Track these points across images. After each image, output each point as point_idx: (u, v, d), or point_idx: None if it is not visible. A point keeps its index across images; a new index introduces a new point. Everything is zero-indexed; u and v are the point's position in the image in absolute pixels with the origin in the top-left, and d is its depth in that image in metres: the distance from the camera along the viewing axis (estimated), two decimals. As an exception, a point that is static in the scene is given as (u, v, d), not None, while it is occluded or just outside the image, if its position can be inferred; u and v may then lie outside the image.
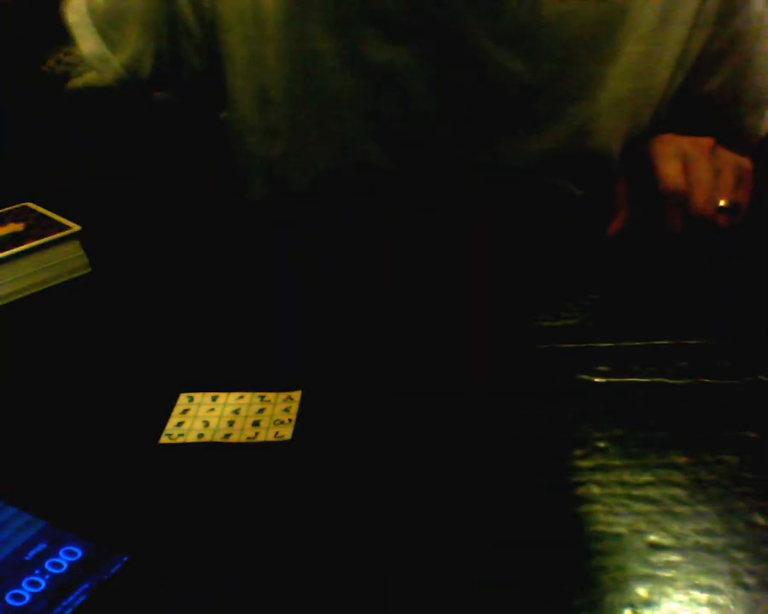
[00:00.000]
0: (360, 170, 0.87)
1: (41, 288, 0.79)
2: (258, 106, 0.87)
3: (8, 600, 0.46)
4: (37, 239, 0.78)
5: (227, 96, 0.88)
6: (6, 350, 0.71)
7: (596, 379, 0.65)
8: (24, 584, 0.47)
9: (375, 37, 0.81)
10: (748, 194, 0.78)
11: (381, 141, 0.86)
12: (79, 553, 0.49)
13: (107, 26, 0.86)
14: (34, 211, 0.85)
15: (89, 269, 0.82)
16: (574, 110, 0.85)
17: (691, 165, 0.75)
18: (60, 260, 0.80)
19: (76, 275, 0.81)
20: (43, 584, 0.47)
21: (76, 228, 0.81)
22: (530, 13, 0.80)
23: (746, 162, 0.79)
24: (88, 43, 0.87)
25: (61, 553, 0.49)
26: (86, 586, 0.47)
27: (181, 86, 0.90)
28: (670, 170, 0.74)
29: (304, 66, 0.84)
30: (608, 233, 0.79)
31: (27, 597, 0.46)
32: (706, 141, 0.77)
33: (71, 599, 0.46)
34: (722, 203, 0.75)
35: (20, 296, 0.78)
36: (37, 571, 0.48)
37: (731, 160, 0.77)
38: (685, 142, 0.77)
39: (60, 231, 0.80)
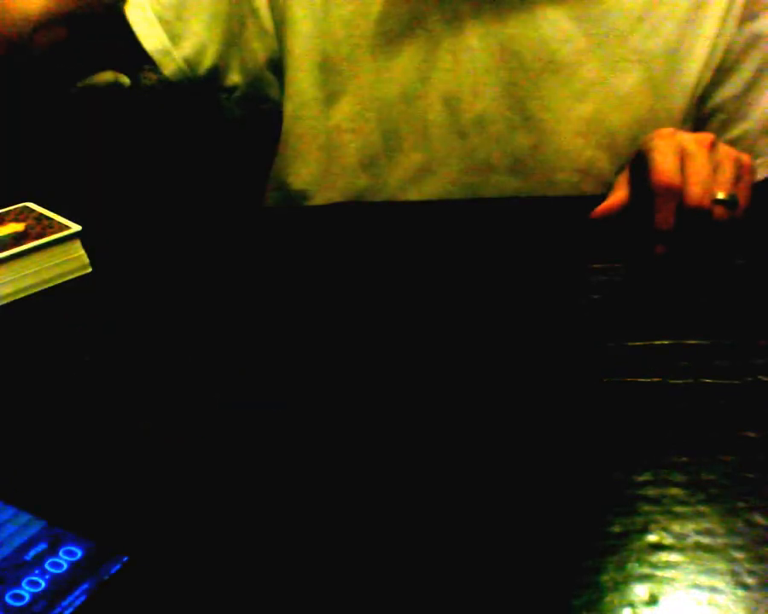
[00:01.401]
0: (414, 136, 0.88)
1: (41, 288, 0.79)
2: (320, 74, 0.88)
3: (8, 600, 0.46)
4: (37, 239, 0.78)
5: (286, 73, 0.89)
6: (6, 350, 0.71)
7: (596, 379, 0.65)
8: (24, 584, 0.47)
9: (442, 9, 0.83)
10: (748, 190, 0.78)
11: (432, 103, 0.87)
12: (79, 553, 0.49)
13: (172, 17, 0.87)
14: (34, 211, 0.85)
15: (89, 269, 0.82)
16: (615, 80, 0.86)
17: (689, 159, 0.74)
18: (60, 260, 0.80)
19: (76, 275, 0.81)
20: (43, 584, 0.47)
21: (76, 228, 0.81)
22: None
23: (746, 158, 0.79)
24: (150, 37, 0.87)
25: (61, 553, 0.49)
26: (86, 586, 0.47)
27: (232, 86, 0.91)
28: (665, 164, 0.74)
29: (362, 29, 0.85)
30: (592, 214, 0.79)
31: (27, 597, 0.46)
32: (706, 137, 0.77)
33: (71, 599, 0.46)
34: (720, 195, 0.75)
35: (20, 296, 0.78)
36: (37, 571, 0.48)
37: (731, 155, 0.77)
38: (685, 137, 0.77)
39: (60, 231, 0.80)
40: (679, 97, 0.88)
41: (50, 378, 0.67)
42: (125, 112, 0.93)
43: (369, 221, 0.92)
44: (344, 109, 0.89)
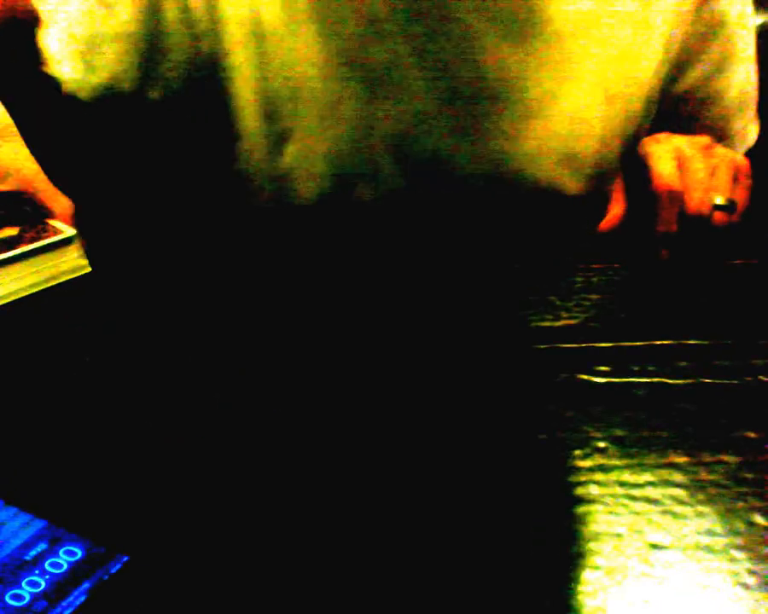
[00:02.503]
0: (364, 179, 0.87)
1: (35, 291, 0.79)
2: (264, 118, 0.87)
3: (8, 600, 0.46)
4: (31, 243, 0.78)
5: (231, 111, 0.87)
6: (5, 351, 0.71)
7: (596, 379, 0.65)
8: (24, 584, 0.47)
9: (370, 37, 0.81)
10: (746, 192, 0.78)
11: (380, 147, 0.86)
12: (79, 553, 0.49)
13: (86, 49, 0.86)
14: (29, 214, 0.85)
15: (87, 270, 0.82)
16: (565, 95, 0.84)
17: (686, 164, 0.74)
18: (54, 263, 0.80)
19: (72, 277, 0.81)
20: (43, 584, 0.47)
21: (71, 232, 0.81)
22: (524, 4, 0.80)
23: (743, 160, 0.79)
24: (66, 69, 0.86)
25: (61, 553, 0.49)
26: (86, 586, 0.47)
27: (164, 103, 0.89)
28: (664, 169, 0.74)
29: (303, 72, 0.84)
30: (599, 229, 0.79)
31: (27, 597, 0.46)
32: (702, 140, 0.77)
33: (71, 599, 0.46)
34: (718, 201, 0.75)
35: (15, 298, 0.78)
36: (37, 571, 0.48)
37: (727, 158, 0.77)
38: (680, 141, 0.77)
39: (54, 235, 0.80)
40: (636, 99, 0.87)
41: (50, 378, 0.67)
42: (122, 114, 0.93)
43: (363, 221, 0.91)
44: (292, 153, 0.88)
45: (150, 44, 0.85)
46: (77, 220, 0.88)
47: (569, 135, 0.86)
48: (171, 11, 0.83)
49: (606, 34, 0.83)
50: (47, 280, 0.80)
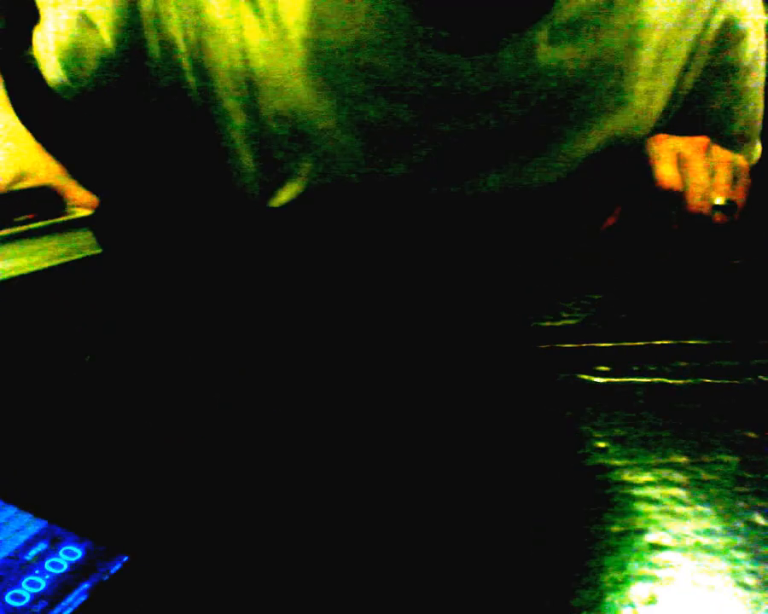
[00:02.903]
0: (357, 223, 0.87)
1: (48, 267, 0.78)
2: (259, 162, 0.87)
3: (8, 600, 0.46)
4: (46, 221, 0.78)
5: (229, 152, 0.87)
6: (9, 337, 0.71)
7: (596, 379, 0.65)
8: (24, 584, 0.47)
9: (370, 94, 0.81)
10: (745, 192, 0.78)
11: (380, 195, 0.86)
12: (79, 553, 0.49)
13: (69, 60, 0.86)
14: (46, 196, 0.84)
15: (98, 250, 0.81)
16: (566, 148, 0.85)
17: (686, 164, 0.75)
18: (69, 245, 0.79)
19: (84, 255, 0.80)
20: (43, 584, 0.47)
21: (86, 212, 0.80)
22: (525, 62, 0.79)
23: (741, 159, 0.79)
24: (51, 73, 0.87)
25: (61, 553, 0.49)
26: (86, 586, 0.47)
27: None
28: (665, 169, 0.74)
29: (302, 125, 0.84)
30: (601, 229, 0.79)
31: (27, 597, 0.46)
32: (701, 141, 0.77)
33: (71, 599, 0.46)
34: (718, 201, 0.75)
35: (23, 272, 0.77)
36: (37, 571, 0.48)
37: (727, 158, 0.77)
38: (680, 142, 0.77)
39: (70, 216, 0.80)
40: (640, 135, 0.88)
41: (50, 378, 0.67)
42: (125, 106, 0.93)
43: (364, 220, 0.91)
44: (288, 194, 0.88)
45: (134, 68, 0.85)
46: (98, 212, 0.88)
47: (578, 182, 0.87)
48: (153, 46, 0.83)
49: (617, 84, 0.83)
50: (58, 258, 0.79)
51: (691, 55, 0.83)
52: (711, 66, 0.85)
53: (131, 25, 0.81)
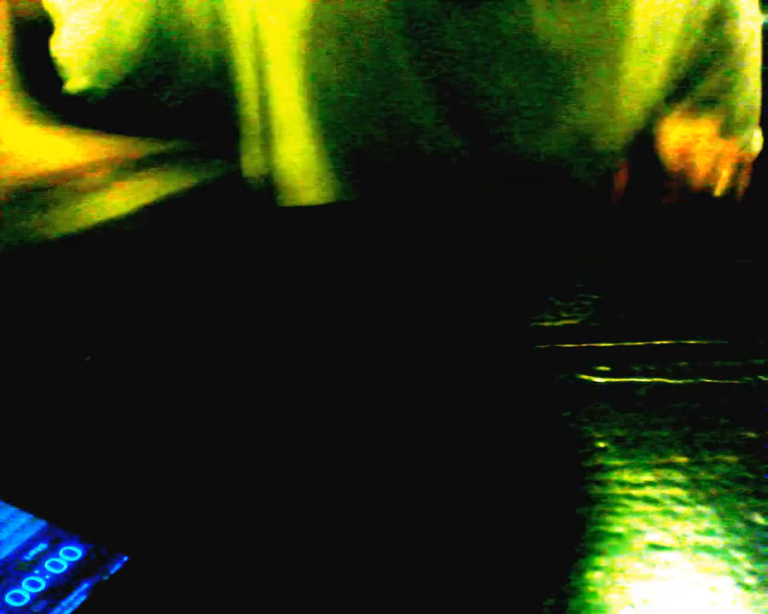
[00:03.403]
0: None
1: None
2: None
3: (8, 600, 0.46)
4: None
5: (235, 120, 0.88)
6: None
7: (596, 379, 0.65)
8: (24, 584, 0.47)
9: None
10: (748, 177, 0.79)
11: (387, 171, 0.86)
12: (79, 553, 0.49)
13: (95, 62, 0.86)
14: None
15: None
16: (570, 120, 0.85)
17: (693, 146, 0.76)
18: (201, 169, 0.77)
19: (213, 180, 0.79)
20: (43, 584, 0.47)
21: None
22: (523, 28, 0.80)
23: (746, 146, 0.80)
24: (77, 76, 0.87)
25: (61, 553, 0.49)
26: (86, 586, 0.47)
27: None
28: (673, 148, 0.75)
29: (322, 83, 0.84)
30: (610, 203, 0.80)
31: (27, 597, 0.46)
32: (707, 123, 0.79)
33: (71, 599, 0.46)
34: (720, 183, 0.76)
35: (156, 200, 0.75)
36: (37, 571, 0.48)
37: (730, 144, 0.79)
38: (686, 124, 0.78)
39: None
40: (638, 112, 0.88)
41: (50, 377, 0.67)
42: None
43: (362, 222, 0.91)
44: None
45: (158, 59, 0.85)
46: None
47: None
48: (173, 31, 0.83)
49: (612, 54, 0.83)
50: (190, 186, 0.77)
51: (686, 31, 0.84)
52: (706, 43, 0.85)
53: (156, 21, 0.82)
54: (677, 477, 0.55)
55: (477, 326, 0.73)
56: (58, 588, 0.47)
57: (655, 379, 0.64)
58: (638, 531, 0.50)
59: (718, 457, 0.56)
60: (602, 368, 0.66)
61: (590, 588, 0.47)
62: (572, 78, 0.83)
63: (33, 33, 0.82)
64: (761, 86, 0.91)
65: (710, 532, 0.50)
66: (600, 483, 0.54)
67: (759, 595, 0.46)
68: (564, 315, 0.74)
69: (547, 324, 0.73)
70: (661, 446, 0.57)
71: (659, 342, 0.69)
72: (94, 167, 0.75)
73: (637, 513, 0.52)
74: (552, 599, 0.47)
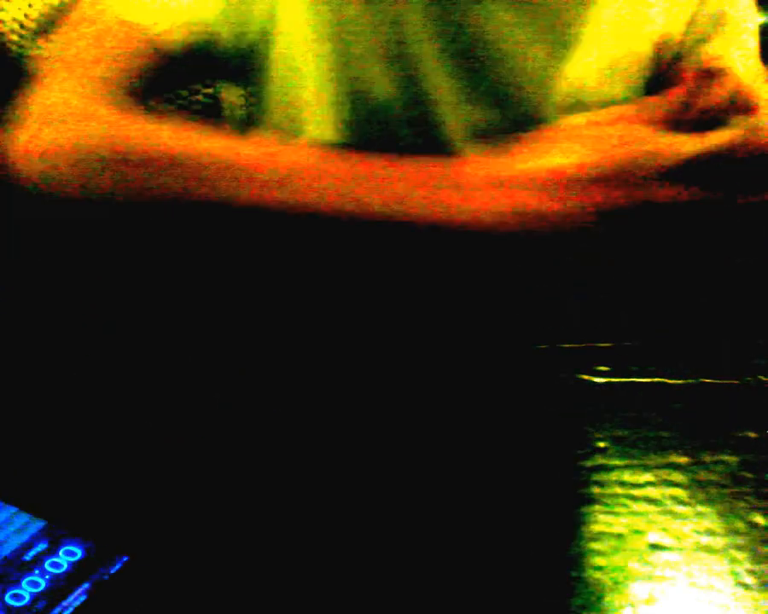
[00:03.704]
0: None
1: None
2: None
3: (8, 600, 0.46)
4: None
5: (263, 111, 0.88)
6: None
7: (596, 379, 0.65)
8: (24, 584, 0.47)
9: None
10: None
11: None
12: (79, 553, 0.49)
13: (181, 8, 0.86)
14: None
15: None
16: (568, 67, 0.86)
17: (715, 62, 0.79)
18: None
19: None
20: (43, 584, 0.47)
21: None
22: None
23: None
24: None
25: (60, 553, 0.49)
26: (86, 586, 0.47)
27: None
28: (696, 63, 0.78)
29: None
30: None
31: (27, 597, 0.46)
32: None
33: (71, 599, 0.46)
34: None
35: None
36: (37, 571, 0.48)
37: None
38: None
39: None
40: (635, 73, 0.89)
41: (51, 377, 0.67)
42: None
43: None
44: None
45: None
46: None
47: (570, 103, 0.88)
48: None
49: (602, 12, 0.84)
50: None
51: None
52: (701, 12, 0.87)
53: None
54: (677, 477, 0.55)
55: (476, 326, 0.73)
56: (58, 588, 0.47)
57: (655, 379, 0.64)
58: (638, 531, 0.50)
59: (718, 457, 0.56)
60: (602, 368, 0.66)
61: (591, 588, 0.47)
62: (575, 25, 0.84)
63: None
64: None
65: (710, 532, 0.50)
66: (600, 483, 0.54)
67: (759, 595, 0.46)
68: (564, 315, 0.74)
69: (547, 324, 0.73)
70: (661, 446, 0.57)
71: (658, 342, 0.69)
72: None
73: (637, 513, 0.52)
74: (552, 599, 0.47)
